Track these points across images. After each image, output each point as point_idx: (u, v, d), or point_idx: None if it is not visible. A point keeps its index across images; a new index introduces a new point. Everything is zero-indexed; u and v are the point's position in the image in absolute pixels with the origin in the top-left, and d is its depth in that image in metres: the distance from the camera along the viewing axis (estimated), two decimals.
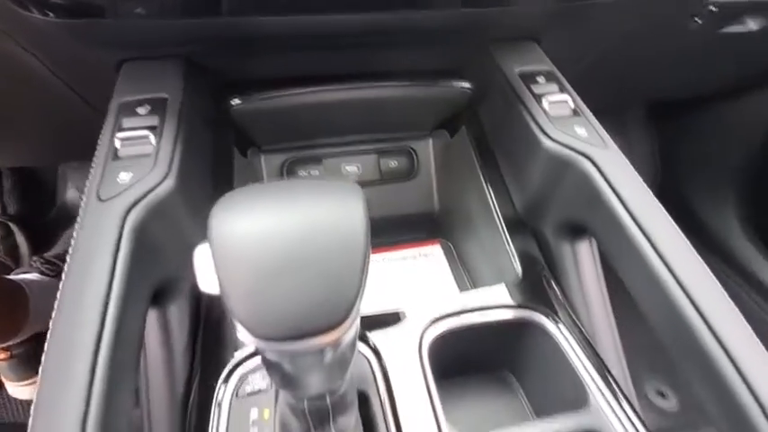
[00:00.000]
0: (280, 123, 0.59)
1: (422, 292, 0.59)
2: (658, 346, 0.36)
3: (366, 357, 0.40)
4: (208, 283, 0.20)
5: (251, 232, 0.19)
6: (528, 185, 0.50)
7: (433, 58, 0.56)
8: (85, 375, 0.26)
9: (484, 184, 0.56)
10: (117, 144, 0.38)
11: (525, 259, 0.49)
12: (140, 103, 0.41)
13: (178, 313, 0.41)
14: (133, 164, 0.37)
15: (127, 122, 0.40)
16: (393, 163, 0.65)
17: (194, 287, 0.41)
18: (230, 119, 0.54)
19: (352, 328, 0.20)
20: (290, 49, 0.50)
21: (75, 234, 0.33)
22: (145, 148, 0.38)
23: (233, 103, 0.54)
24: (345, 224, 0.19)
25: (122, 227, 0.33)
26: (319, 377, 0.22)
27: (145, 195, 0.35)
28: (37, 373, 0.32)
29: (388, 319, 0.43)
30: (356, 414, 0.28)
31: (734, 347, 0.30)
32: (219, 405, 0.36)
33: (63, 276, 0.31)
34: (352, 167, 0.64)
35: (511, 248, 0.50)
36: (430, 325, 0.42)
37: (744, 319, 0.32)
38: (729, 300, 0.33)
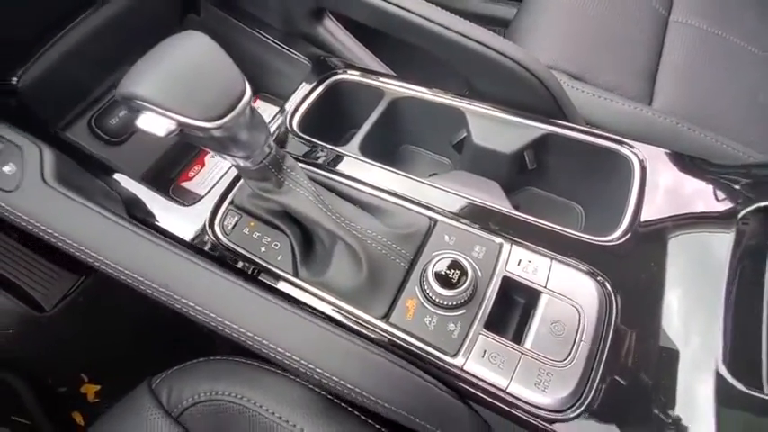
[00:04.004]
0: (67, 77, 0.51)
1: None
2: None
3: None
4: (159, 130, 0.30)
5: (167, 75, 0.30)
6: None
7: None
8: None
9: None
10: None
11: None
12: None
13: None
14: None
15: None
16: None
17: None
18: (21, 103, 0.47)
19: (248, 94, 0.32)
20: None
21: None
22: None
23: (16, 80, 0.46)
24: (204, 44, 0.32)
25: None
26: (257, 133, 0.34)
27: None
28: None
29: None
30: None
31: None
32: (226, 247, 0.41)
33: None
34: None
35: None
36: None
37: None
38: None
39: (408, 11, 0.46)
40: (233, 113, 0.31)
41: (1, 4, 0.40)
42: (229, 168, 0.46)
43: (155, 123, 0.31)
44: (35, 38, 0.45)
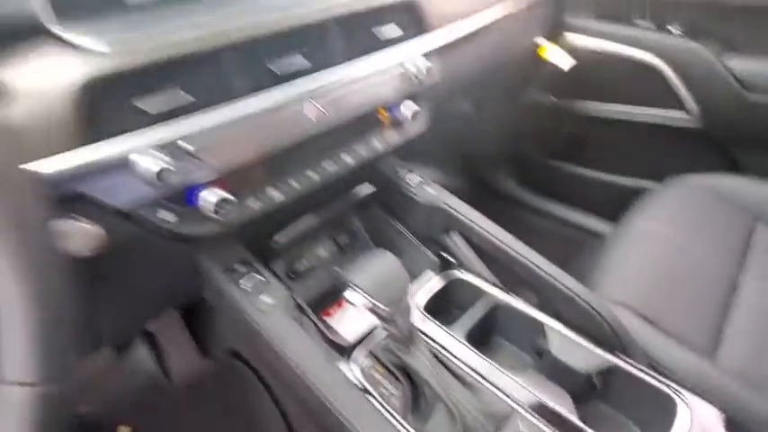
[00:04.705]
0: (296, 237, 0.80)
1: None
2: None
3: None
4: (358, 303, 0.52)
5: (369, 273, 0.53)
6: None
7: None
8: None
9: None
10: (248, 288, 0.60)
11: None
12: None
13: None
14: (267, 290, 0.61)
15: (237, 276, 0.61)
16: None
17: None
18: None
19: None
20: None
21: None
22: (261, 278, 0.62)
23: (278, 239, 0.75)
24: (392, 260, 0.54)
25: None
26: (408, 313, 0.53)
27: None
28: None
29: None
30: None
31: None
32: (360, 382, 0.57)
33: None
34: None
35: None
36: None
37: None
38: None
39: (507, 246, 0.68)
40: (401, 303, 0.52)
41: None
42: (368, 321, 0.65)
43: (356, 299, 0.53)
44: (294, 217, 0.76)
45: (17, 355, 0.27)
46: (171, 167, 0.47)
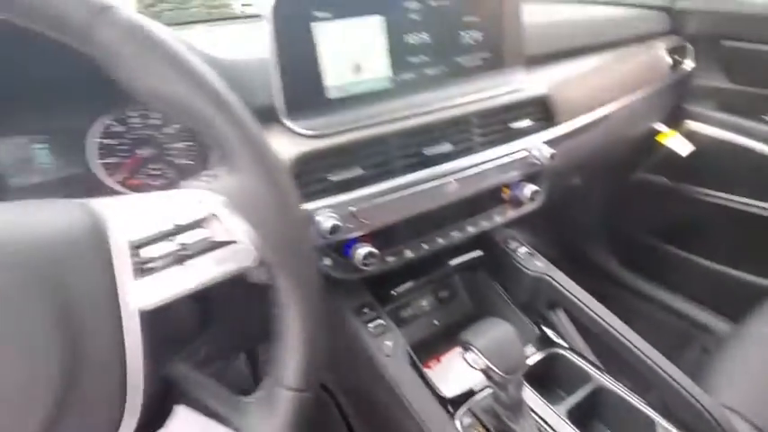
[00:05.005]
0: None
1: None
2: None
3: None
4: (477, 366, 0.56)
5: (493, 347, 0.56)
6: None
7: None
8: None
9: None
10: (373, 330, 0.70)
11: None
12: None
13: None
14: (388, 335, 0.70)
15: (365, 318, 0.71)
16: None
17: None
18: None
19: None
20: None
21: None
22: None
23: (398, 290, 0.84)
24: (508, 328, 0.60)
25: None
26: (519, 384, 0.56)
27: None
28: None
29: None
30: None
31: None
32: None
33: None
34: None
35: None
36: None
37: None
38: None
39: (616, 330, 0.71)
40: (514, 374, 0.57)
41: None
42: (468, 381, 0.70)
43: (476, 361, 0.59)
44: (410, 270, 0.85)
45: (295, 364, 0.37)
46: (340, 224, 0.59)
